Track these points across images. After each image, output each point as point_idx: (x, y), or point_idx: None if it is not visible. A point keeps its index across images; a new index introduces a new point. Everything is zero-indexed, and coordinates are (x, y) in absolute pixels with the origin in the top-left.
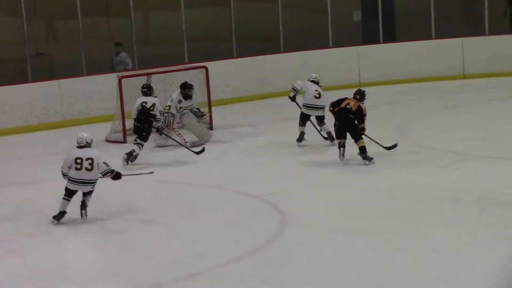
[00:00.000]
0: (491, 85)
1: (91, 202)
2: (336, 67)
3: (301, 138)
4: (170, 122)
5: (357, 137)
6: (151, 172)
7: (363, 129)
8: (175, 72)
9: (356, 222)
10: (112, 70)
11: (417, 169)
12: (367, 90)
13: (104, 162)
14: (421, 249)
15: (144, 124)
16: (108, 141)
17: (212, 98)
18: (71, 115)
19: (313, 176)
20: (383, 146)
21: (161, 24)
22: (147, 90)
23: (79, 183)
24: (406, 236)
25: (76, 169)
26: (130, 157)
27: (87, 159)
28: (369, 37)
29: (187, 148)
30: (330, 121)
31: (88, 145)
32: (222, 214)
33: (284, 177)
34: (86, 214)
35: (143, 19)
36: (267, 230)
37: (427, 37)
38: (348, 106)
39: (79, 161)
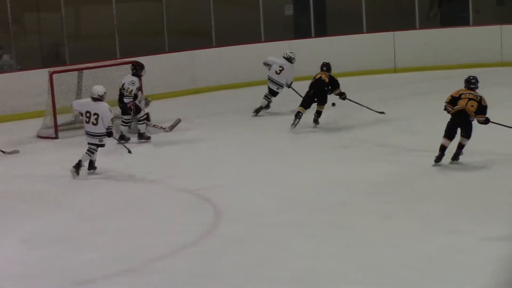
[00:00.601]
0: (422, 79)
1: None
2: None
3: (258, 110)
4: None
5: (322, 103)
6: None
7: (342, 94)
8: (106, 67)
9: (289, 216)
10: None
11: (349, 163)
12: (299, 84)
13: (112, 119)
14: (352, 243)
15: (121, 104)
16: (39, 137)
17: (144, 93)
18: (3, 111)
19: (247, 170)
20: (373, 110)
21: (92, 19)
22: (133, 68)
23: (87, 134)
24: (338, 229)
25: (86, 122)
26: (142, 136)
27: (94, 114)
28: (301, 32)
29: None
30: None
31: (100, 98)
32: (155, 209)
33: (218, 172)
34: (77, 173)
35: (74, 13)
36: (201, 224)
37: (359, 31)
38: (322, 78)
39: (88, 114)
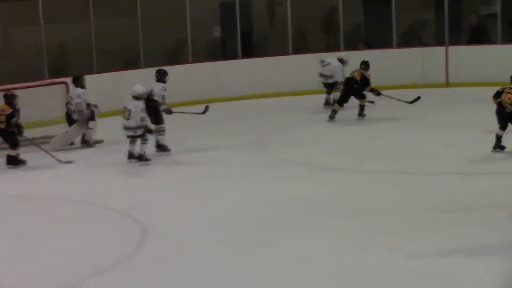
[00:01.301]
0: None
1: None
2: (196, 82)
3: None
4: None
5: (360, 97)
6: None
7: (375, 90)
8: (33, 88)
9: (218, 234)
10: None
11: (279, 182)
12: (227, 105)
13: (141, 118)
14: (282, 261)
15: (149, 110)
16: None
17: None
18: None
19: (178, 189)
20: (406, 101)
21: (20, 39)
22: (158, 75)
23: (123, 128)
24: (266, 247)
25: (122, 116)
26: (163, 148)
27: (128, 109)
28: (228, 53)
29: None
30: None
31: (139, 96)
32: (83, 229)
33: (150, 190)
34: (145, 161)
35: (1, 33)
36: (128, 243)
37: (285, 53)
38: (354, 78)
39: (123, 109)
